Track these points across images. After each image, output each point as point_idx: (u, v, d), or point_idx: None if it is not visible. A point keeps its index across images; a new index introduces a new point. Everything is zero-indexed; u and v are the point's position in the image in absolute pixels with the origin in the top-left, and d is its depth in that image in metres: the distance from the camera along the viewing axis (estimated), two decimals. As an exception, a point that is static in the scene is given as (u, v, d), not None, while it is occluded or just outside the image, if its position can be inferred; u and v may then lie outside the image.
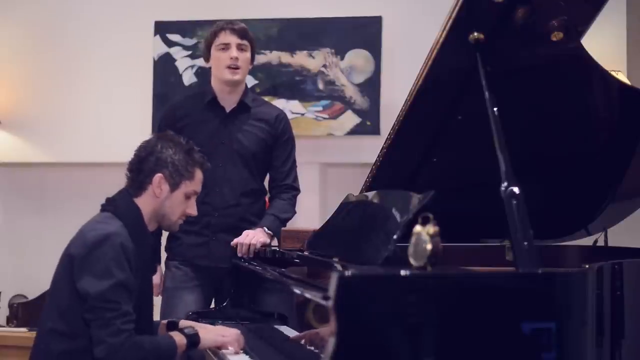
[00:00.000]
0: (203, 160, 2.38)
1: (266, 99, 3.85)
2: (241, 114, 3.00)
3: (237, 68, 2.94)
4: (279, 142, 3.02)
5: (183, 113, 3.02)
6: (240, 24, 3.01)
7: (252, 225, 2.88)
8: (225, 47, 2.95)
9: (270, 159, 3.02)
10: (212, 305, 2.94)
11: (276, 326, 2.59)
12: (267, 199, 3.10)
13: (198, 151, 2.38)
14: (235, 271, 2.75)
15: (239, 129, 2.98)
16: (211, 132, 2.97)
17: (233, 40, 2.95)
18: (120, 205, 2.27)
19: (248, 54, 2.99)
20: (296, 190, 3.05)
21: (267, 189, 3.10)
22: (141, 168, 2.29)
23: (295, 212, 3.04)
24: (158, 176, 2.28)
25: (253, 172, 2.98)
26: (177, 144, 2.33)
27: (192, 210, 2.37)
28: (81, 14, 4.38)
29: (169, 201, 2.31)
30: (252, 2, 4.16)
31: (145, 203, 2.29)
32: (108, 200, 2.32)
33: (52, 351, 2.15)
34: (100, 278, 2.11)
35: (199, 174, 2.36)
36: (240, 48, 2.96)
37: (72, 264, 2.16)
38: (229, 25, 2.97)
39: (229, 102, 3.00)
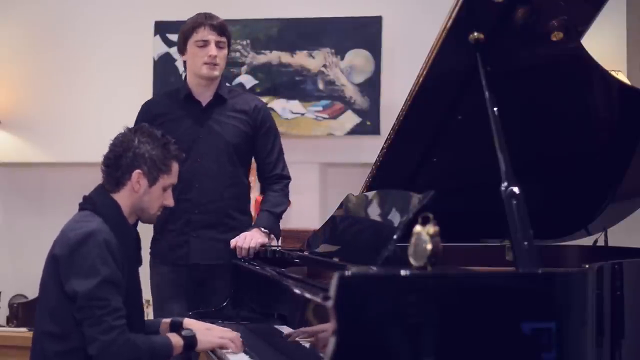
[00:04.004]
0: (178, 152, 2.37)
1: (266, 99, 3.87)
2: (217, 106, 2.95)
3: (216, 64, 2.90)
4: (259, 133, 2.96)
5: (159, 111, 2.97)
6: (218, 18, 2.93)
7: (235, 221, 2.87)
8: (204, 44, 2.88)
9: (252, 151, 2.98)
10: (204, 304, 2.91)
11: (276, 326, 2.59)
12: (257, 198, 3.05)
13: (173, 143, 2.36)
14: (235, 271, 2.75)
15: (216, 121, 2.93)
16: (188, 128, 2.92)
17: (212, 37, 2.88)
18: (98, 202, 2.26)
19: (226, 50, 2.95)
20: (287, 178, 3.00)
21: (258, 181, 3.06)
22: (119, 164, 2.27)
23: (289, 202, 3.00)
24: (137, 173, 2.27)
25: (235, 164, 2.93)
26: (154, 139, 2.31)
27: (169, 201, 2.37)
28: (81, 14, 4.39)
29: (148, 196, 2.30)
30: (252, 2, 4.16)
31: (123, 198, 2.28)
32: (85, 198, 2.31)
33: (47, 352, 2.15)
34: (86, 277, 2.10)
35: (175, 167, 2.35)
36: (219, 46, 2.90)
37: (57, 265, 2.15)
38: (208, 21, 2.89)
39: (204, 96, 2.95)
